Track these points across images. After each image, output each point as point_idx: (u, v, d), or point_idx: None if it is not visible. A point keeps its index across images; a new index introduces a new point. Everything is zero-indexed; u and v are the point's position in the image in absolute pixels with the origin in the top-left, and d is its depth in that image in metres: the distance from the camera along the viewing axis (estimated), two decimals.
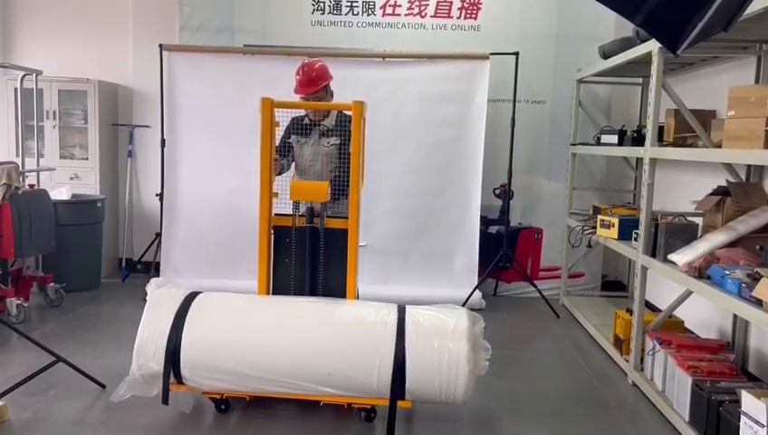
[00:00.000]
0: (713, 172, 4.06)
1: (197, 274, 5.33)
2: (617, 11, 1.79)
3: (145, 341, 3.02)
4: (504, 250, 5.41)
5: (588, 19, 5.63)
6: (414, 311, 3.10)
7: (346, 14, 5.80)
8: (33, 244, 4.81)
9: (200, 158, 5.45)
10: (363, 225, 3.88)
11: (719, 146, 3.20)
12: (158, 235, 5.67)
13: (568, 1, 5.70)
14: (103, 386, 3.47)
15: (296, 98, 3.84)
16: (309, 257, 3.40)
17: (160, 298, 3.15)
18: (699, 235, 3.52)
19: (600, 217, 4.56)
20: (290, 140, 3.92)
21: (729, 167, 3.74)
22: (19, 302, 4.64)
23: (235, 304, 3.22)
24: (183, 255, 5.47)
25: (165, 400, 3.03)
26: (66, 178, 5.94)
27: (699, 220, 3.73)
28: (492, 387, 3.63)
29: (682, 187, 4.63)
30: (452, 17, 5.77)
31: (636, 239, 3.91)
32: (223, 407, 3.24)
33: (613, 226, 4.34)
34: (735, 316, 3.80)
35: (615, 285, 6.08)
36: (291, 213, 3.43)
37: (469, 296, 5.24)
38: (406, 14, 5.79)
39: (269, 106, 3.33)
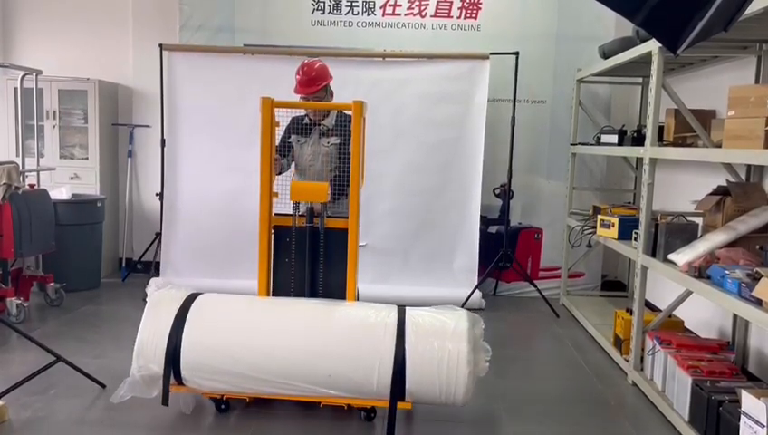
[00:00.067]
0: (713, 172, 4.06)
1: (197, 274, 5.33)
2: (617, 11, 1.79)
3: (145, 342, 3.02)
4: (504, 250, 5.41)
5: (588, 19, 5.63)
6: (414, 312, 3.10)
7: (346, 14, 5.80)
8: (33, 243, 4.81)
9: (200, 157, 5.45)
10: (363, 224, 3.89)
11: (719, 146, 3.20)
12: (158, 234, 5.67)
13: (568, 1, 5.70)
14: (103, 386, 3.47)
15: (296, 98, 3.84)
16: (309, 257, 3.40)
17: (160, 300, 3.15)
18: (699, 234, 3.52)
19: (599, 216, 4.56)
20: (290, 140, 3.92)
21: (729, 167, 3.74)
22: (19, 301, 4.64)
23: (234, 306, 3.22)
24: (183, 254, 5.47)
25: (165, 401, 3.03)
26: (66, 178, 5.94)
27: (699, 220, 3.73)
28: (492, 387, 3.63)
29: (682, 187, 4.63)
30: (452, 17, 5.77)
31: (636, 239, 3.91)
32: (223, 407, 3.24)
33: (613, 225, 4.34)
34: (735, 316, 3.80)
35: (615, 285, 6.08)
36: (291, 213, 3.43)
37: (469, 296, 5.24)
38: (406, 14, 5.79)
39: (269, 106, 3.33)
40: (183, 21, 5.80)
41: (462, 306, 3.70)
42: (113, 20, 6.22)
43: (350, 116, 3.44)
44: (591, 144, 5.29)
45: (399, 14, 5.79)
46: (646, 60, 3.91)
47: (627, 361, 3.98)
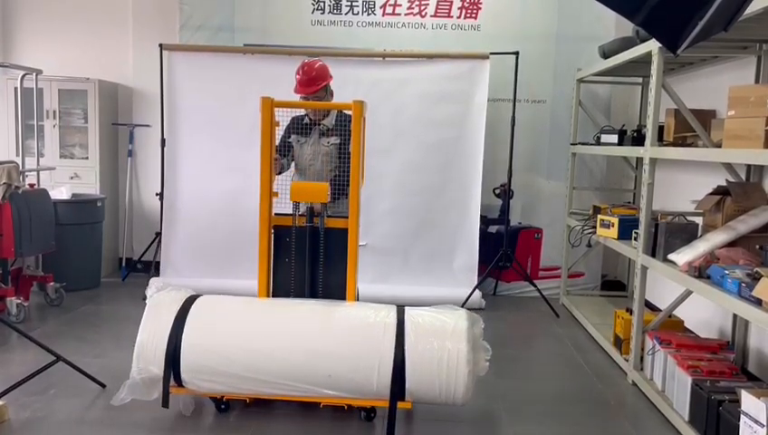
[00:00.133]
0: (713, 172, 4.06)
1: (197, 273, 5.33)
2: (617, 11, 1.79)
3: (145, 344, 3.01)
4: (504, 250, 5.41)
5: (588, 19, 5.63)
6: (413, 312, 3.10)
7: (346, 14, 5.80)
8: (33, 243, 4.81)
9: (200, 157, 5.44)
10: (363, 224, 3.88)
11: (719, 146, 3.20)
12: (158, 234, 5.67)
13: (568, 1, 5.70)
14: (103, 385, 3.47)
15: (296, 97, 3.84)
16: (309, 257, 3.40)
17: (160, 301, 3.15)
18: (699, 234, 3.52)
19: (599, 216, 4.56)
20: (290, 140, 3.92)
21: (729, 166, 3.74)
22: (19, 301, 4.64)
23: (234, 307, 3.22)
24: (183, 254, 5.47)
25: (165, 403, 3.03)
26: (66, 178, 5.94)
27: (699, 220, 3.73)
28: (492, 387, 3.63)
29: (682, 186, 4.63)
30: (452, 17, 5.77)
31: (636, 239, 3.91)
32: (223, 407, 3.25)
33: (613, 225, 4.34)
34: (735, 316, 3.81)
35: (615, 285, 6.08)
36: (291, 213, 3.43)
37: (469, 296, 5.24)
38: (406, 14, 5.79)
39: (269, 106, 3.33)
40: (183, 21, 5.80)
41: (462, 306, 3.70)
42: (113, 20, 6.22)
43: (349, 116, 3.44)
44: (591, 144, 5.29)
45: (399, 14, 5.79)
46: (646, 60, 3.91)
47: (627, 360, 3.98)
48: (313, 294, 3.41)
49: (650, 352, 3.70)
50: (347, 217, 3.35)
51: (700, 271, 3.10)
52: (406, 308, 3.14)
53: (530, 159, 5.83)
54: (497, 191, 5.73)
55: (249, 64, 5.43)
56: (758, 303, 2.59)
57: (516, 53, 5.28)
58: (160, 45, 5.39)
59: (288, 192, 3.34)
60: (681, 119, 3.84)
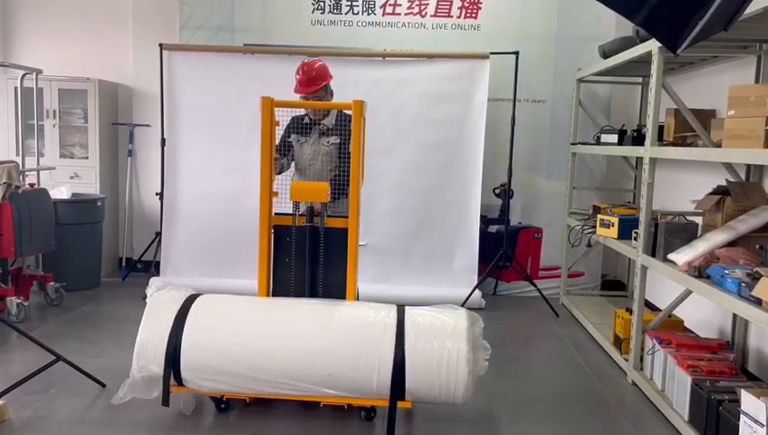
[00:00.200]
0: (713, 172, 4.06)
1: (197, 273, 5.34)
2: (617, 11, 1.79)
3: (145, 343, 3.02)
4: (504, 249, 5.42)
5: (588, 19, 5.63)
6: (413, 312, 3.10)
7: (346, 14, 5.80)
8: (33, 243, 4.81)
9: (200, 157, 5.45)
10: (363, 224, 3.89)
11: (719, 145, 3.20)
12: (159, 234, 5.67)
13: (568, 1, 5.70)
14: (103, 385, 3.48)
15: (296, 97, 3.84)
16: (309, 257, 3.40)
17: (160, 300, 3.15)
18: (699, 234, 3.52)
19: (599, 216, 4.56)
20: (290, 140, 3.92)
21: (729, 166, 3.74)
22: (19, 301, 4.64)
23: (234, 307, 3.22)
24: (183, 254, 5.47)
25: (165, 402, 3.03)
26: (66, 178, 5.94)
27: (699, 220, 3.74)
28: (492, 387, 3.63)
29: (682, 186, 4.63)
30: (452, 16, 5.77)
31: (636, 239, 3.91)
32: (223, 406, 3.25)
33: (613, 225, 4.34)
34: (735, 316, 3.81)
35: (615, 285, 6.08)
36: (291, 212, 3.43)
37: (469, 296, 5.25)
38: (406, 14, 5.79)
39: (269, 105, 3.33)
40: (183, 20, 5.80)
41: (462, 306, 3.70)
42: (113, 19, 6.22)
43: (349, 115, 3.44)
44: (591, 144, 5.29)
45: (399, 14, 5.79)
46: (646, 59, 3.91)
47: (626, 360, 3.98)
48: (313, 293, 3.41)
49: (650, 352, 3.70)
50: (347, 217, 3.35)
51: (700, 271, 3.10)
52: (406, 308, 3.14)
53: (530, 158, 5.83)
54: (497, 191, 5.73)
55: (249, 64, 5.43)
56: (758, 302, 2.59)
57: (516, 53, 5.28)
58: (160, 45, 5.39)
59: (288, 192, 3.34)
60: (681, 118, 3.84)
